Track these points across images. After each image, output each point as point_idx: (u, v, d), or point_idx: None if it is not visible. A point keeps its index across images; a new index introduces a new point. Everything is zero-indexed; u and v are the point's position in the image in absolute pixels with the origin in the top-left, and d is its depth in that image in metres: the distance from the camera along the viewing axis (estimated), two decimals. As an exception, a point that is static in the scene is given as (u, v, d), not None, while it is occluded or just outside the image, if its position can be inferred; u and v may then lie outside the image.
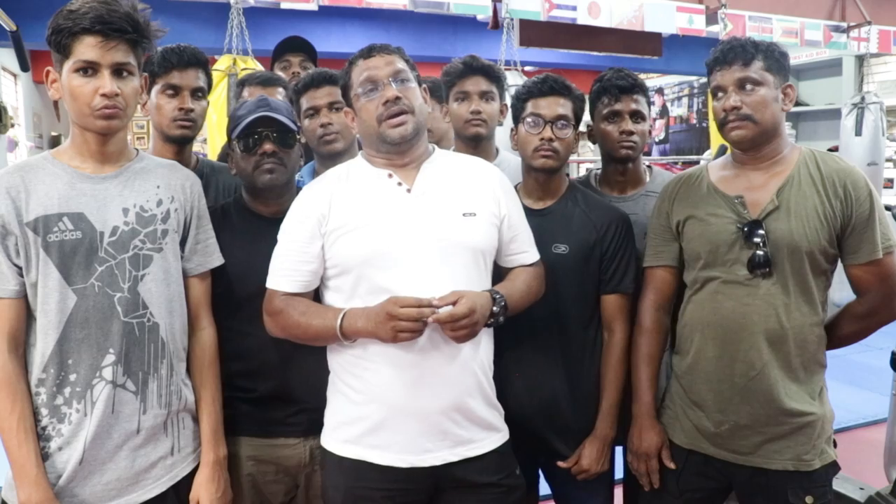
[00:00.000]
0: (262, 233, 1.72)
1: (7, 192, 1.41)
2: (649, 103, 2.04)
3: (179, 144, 1.95)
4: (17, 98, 7.58)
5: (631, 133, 1.96)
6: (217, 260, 1.67)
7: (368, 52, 1.62)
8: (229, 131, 1.79)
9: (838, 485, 2.60)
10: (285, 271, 1.60)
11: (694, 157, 8.70)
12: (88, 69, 1.40)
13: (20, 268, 1.43)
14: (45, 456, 1.43)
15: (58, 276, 1.42)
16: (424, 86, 1.67)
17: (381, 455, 1.56)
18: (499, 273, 1.71)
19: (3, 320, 1.42)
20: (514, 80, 4.11)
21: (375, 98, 1.58)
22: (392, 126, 1.57)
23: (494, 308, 1.54)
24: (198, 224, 1.64)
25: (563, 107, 1.84)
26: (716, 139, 5.56)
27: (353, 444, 1.58)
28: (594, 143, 2.10)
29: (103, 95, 1.40)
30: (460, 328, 1.46)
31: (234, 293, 1.71)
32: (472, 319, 1.47)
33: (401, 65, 1.61)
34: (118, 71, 1.42)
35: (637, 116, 1.98)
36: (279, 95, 2.35)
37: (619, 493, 2.02)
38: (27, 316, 1.45)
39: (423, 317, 1.44)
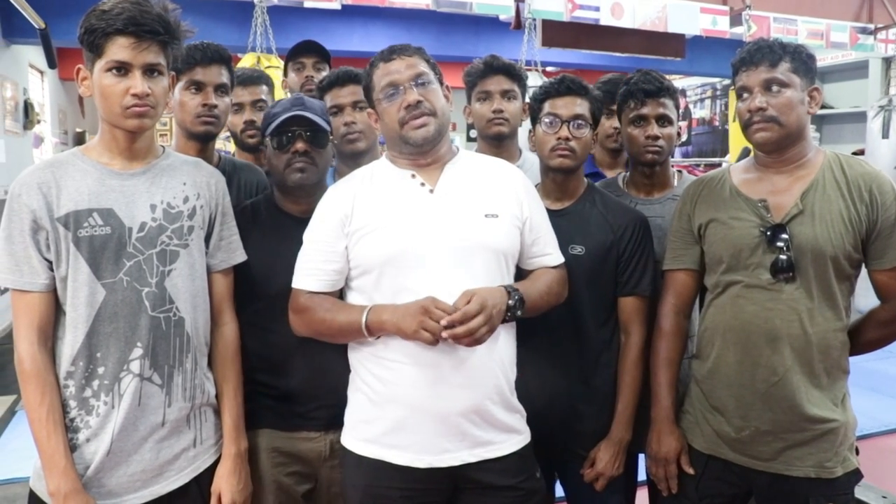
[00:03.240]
0: (290, 231, 1.73)
1: (38, 187, 1.44)
2: (677, 105, 2.03)
3: (202, 141, 1.96)
4: (43, 95, 7.70)
5: (657, 138, 1.96)
6: (240, 256, 1.69)
7: (389, 55, 1.62)
8: (263, 128, 1.81)
9: (860, 493, 2.56)
10: (310, 270, 1.62)
11: (716, 160, 8.64)
12: (120, 69, 1.43)
13: (50, 262, 1.45)
14: (73, 447, 1.46)
15: (87, 271, 1.45)
16: (447, 84, 1.67)
17: (399, 455, 1.56)
18: (522, 276, 1.70)
19: (34, 314, 1.44)
20: (535, 81, 4.11)
21: (397, 102, 1.59)
22: (414, 128, 1.58)
23: (510, 301, 1.52)
24: (222, 221, 1.66)
25: (580, 106, 1.84)
26: (735, 143, 5.49)
27: (372, 443, 1.59)
28: (621, 145, 2.10)
29: (134, 95, 1.42)
30: (475, 328, 1.44)
31: (261, 290, 1.72)
32: (486, 315, 1.45)
33: (422, 67, 1.61)
34: (149, 71, 1.45)
35: (663, 120, 1.97)
36: (263, 94, 2.36)
37: (643, 494, 2.01)
38: (56, 310, 1.48)
39: (452, 321, 1.43)
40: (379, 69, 1.62)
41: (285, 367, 1.74)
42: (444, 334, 1.44)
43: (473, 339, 1.46)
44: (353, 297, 1.63)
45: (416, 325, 1.45)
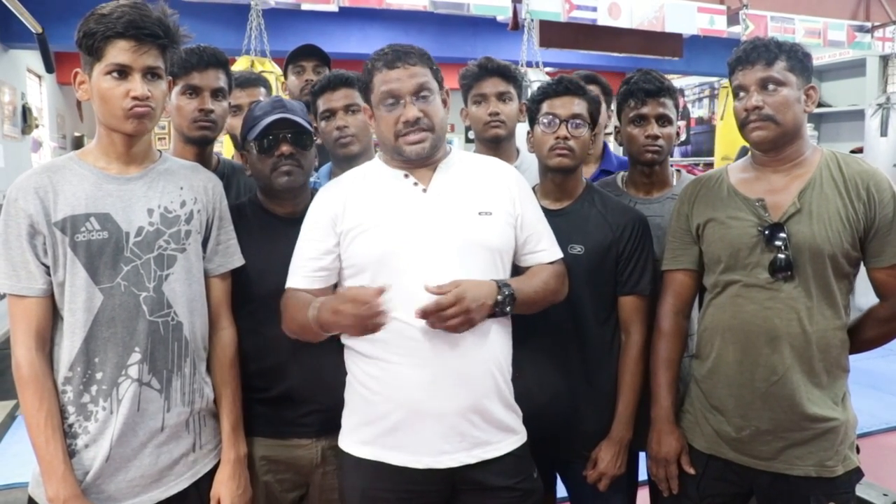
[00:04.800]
0: (277, 233, 1.73)
1: (35, 192, 1.44)
2: (677, 105, 2.03)
3: (200, 146, 1.95)
4: (41, 99, 7.69)
5: (656, 137, 1.96)
6: (238, 261, 1.69)
7: (393, 62, 1.57)
8: (244, 132, 1.79)
9: (861, 491, 2.56)
10: (295, 268, 1.63)
11: (713, 159, 8.63)
12: (120, 72, 1.42)
13: (48, 267, 1.45)
14: (71, 453, 1.45)
15: (85, 276, 1.44)
16: (446, 89, 1.67)
17: (397, 456, 1.56)
18: (518, 273, 1.70)
19: (31, 319, 1.44)
20: (537, 77, 4.11)
21: (395, 113, 1.57)
22: (409, 143, 1.57)
23: (498, 297, 1.52)
24: (219, 225, 1.66)
25: (578, 106, 1.84)
26: (721, 142, 5.43)
27: (369, 444, 1.59)
28: (620, 144, 2.10)
29: (134, 98, 1.42)
30: (449, 318, 1.44)
31: (250, 293, 1.72)
32: (462, 307, 1.44)
33: (423, 78, 1.58)
34: (148, 74, 1.45)
35: (663, 120, 1.97)
36: (261, 96, 2.35)
37: (644, 493, 2.01)
38: (54, 315, 1.47)
39: (424, 310, 1.43)
40: (380, 74, 1.58)
41: (277, 371, 1.73)
42: (417, 322, 1.44)
43: (448, 328, 1.46)
44: None
45: (359, 331, 1.46)
